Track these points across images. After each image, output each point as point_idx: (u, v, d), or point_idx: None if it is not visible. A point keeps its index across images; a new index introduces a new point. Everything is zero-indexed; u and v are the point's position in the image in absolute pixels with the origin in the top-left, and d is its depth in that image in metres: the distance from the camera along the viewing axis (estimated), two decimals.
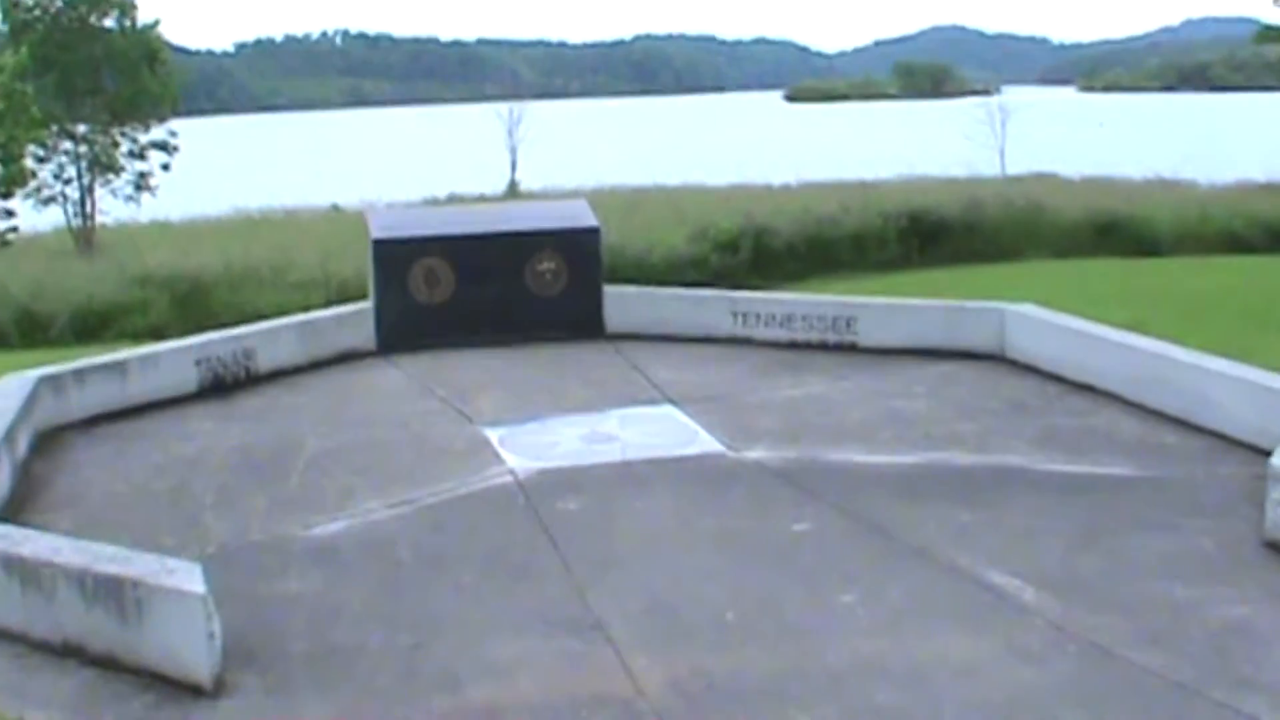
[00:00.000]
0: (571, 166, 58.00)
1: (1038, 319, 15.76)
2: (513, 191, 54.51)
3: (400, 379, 16.26)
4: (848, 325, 16.81)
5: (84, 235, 44.59)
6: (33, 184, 43.88)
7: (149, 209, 47.56)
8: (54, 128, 44.58)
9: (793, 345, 17.01)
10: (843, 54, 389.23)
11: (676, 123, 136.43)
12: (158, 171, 47.70)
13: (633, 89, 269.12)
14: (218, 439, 13.72)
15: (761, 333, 17.27)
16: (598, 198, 43.51)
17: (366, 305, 17.88)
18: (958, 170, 44.75)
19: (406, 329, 17.66)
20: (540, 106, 77.85)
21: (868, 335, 16.72)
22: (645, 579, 9.54)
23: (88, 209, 46.01)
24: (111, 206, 47.10)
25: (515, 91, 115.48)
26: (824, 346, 16.86)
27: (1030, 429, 13.13)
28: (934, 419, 13.58)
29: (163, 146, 47.69)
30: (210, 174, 72.79)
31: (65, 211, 45.76)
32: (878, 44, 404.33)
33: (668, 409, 14.28)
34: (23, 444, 12.93)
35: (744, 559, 9.94)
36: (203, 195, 51.81)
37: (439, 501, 11.50)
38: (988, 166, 49.10)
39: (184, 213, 47.93)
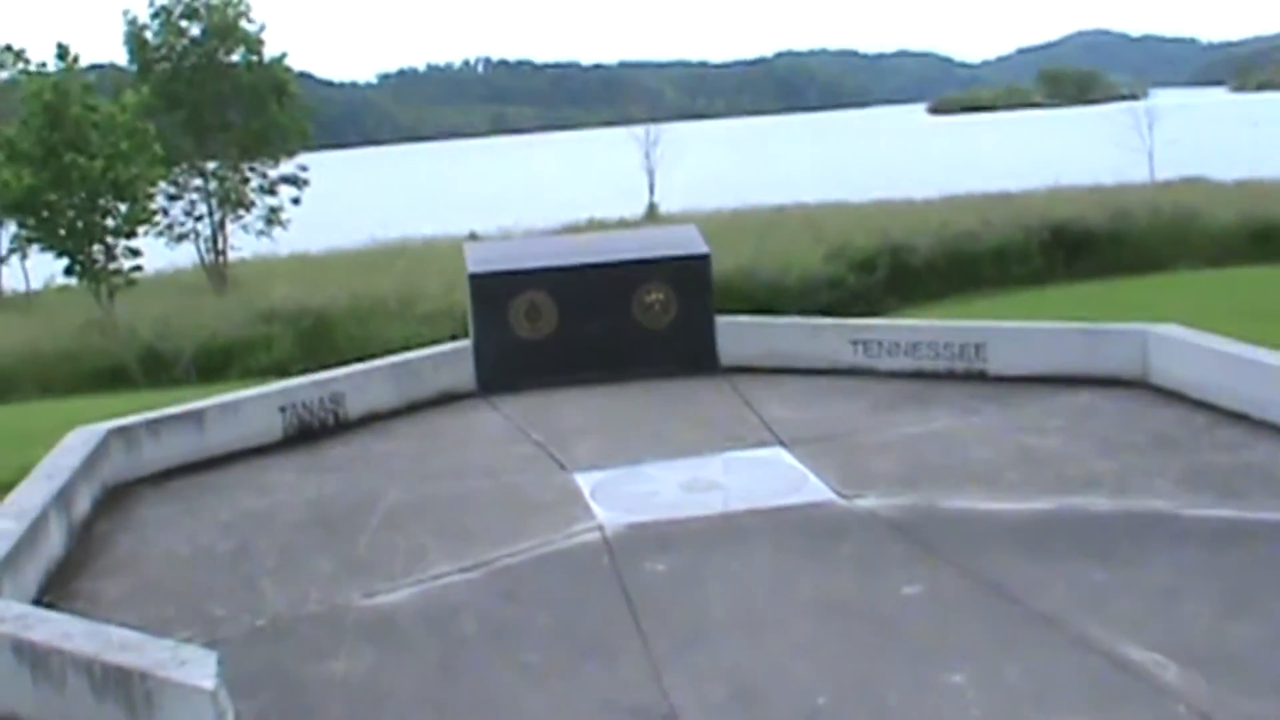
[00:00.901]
0: (712, 187, 57.14)
1: (1185, 341, 14.33)
2: (652, 214, 54.21)
3: (497, 422, 15.27)
4: (977, 352, 15.52)
5: (216, 271, 44.62)
6: (164, 221, 44.02)
7: (288, 242, 47.76)
8: (184, 165, 44.65)
9: (918, 375, 15.74)
10: (986, 63, 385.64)
11: (819, 139, 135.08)
12: (289, 206, 47.62)
13: (776, 106, 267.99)
14: (293, 493, 12.82)
15: (884, 362, 16.04)
16: (736, 219, 43.02)
17: (466, 344, 16.95)
18: (1105, 178, 43.27)
19: (507, 367, 16.69)
20: (683, 127, 77.38)
21: (998, 362, 15.40)
22: (731, 656, 8.40)
23: (219, 245, 46.01)
24: (245, 241, 47.19)
25: (658, 113, 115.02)
26: (951, 376, 15.56)
27: (1176, 467, 11.71)
28: (1068, 457, 12.22)
29: (293, 181, 47.69)
30: (353, 205, 73.10)
31: (198, 248, 45.81)
32: (1021, 51, 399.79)
33: (777, 451, 13.11)
34: (84, 502, 12.12)
35: (845, 629, 8.75)
36: (344, 227, 51.79)
37: (516, 563, 10.46)
38: (1136, 173, 47.44)
39: (324, 245, 47.86)
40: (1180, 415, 13.44)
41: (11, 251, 45.76)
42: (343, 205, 74.23)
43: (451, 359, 16.72)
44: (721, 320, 17.14)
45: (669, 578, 9.92)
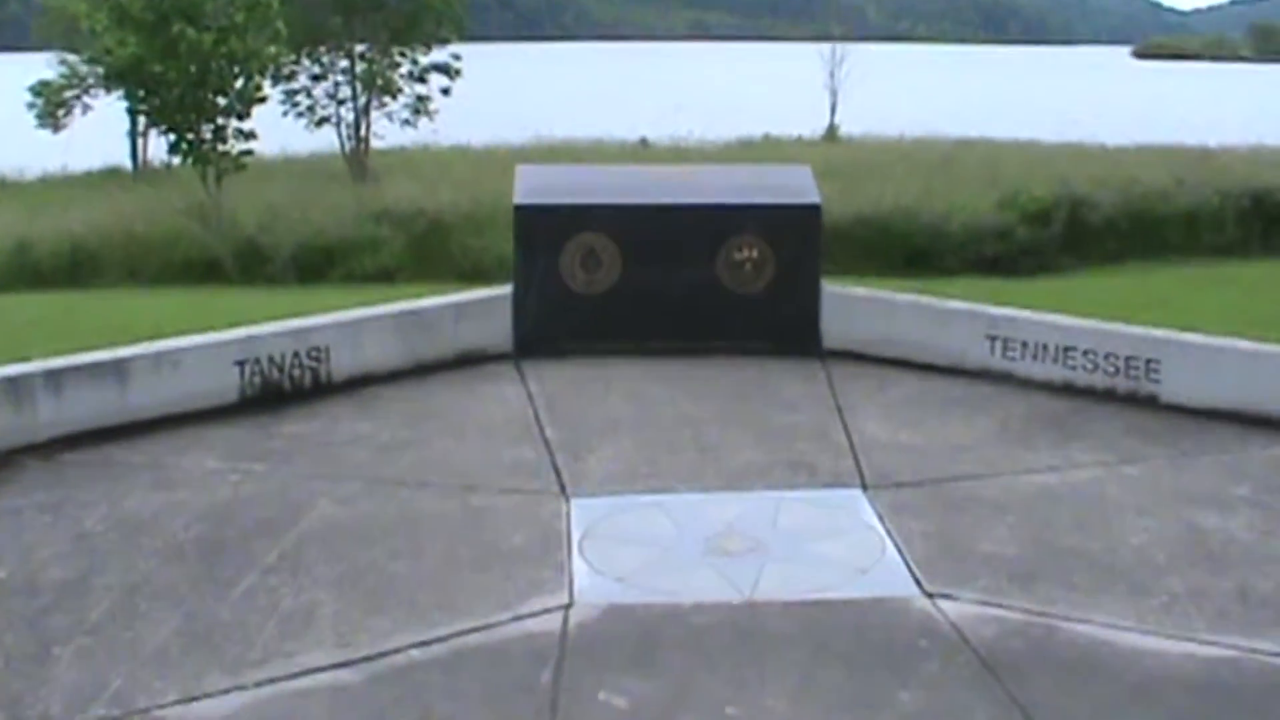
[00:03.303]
0: (900, 112, 53.56)
1: None
2: (831, 136, 51.53)
3: (514, 402, 11.86)
4: (1147, 369, 11.78)
5: (357, 160, 41.97)
6: (305, 103, 41.81)
7: (451, 134, 45.04)
8: (330, 44, 42.24)
9: (1068, 389, 12.03)
10: (1197, 12, 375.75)
11: (1018, 73, 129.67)
12: (439, 96, 44.89)
13: (978, 36, 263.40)
14: (201, 490, 9.58)
15: (1026, 367, 12.38)
16: (914, 149, 39.51)
17: (500, 291, 13.57)
18: None
19: (553, 326, 13.31)
20: (883, 49, 74.31)
21: (1174, 385, 11.60)
22: None
23: (361, 132, 43.41)
24: (394, 132, 44.68)
25: (860, 31, 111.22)
26: (1110, 396, 11.81)
27: None
28: (1259, 555, 8.46)
29: (444, 70, 44.80)
30: (531, 99, 70.82)
31: (339, 134, 43.31)
32: (1234, 3, 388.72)
33: (855, 497, 9.59)
34: None
35: None
36: (515, 121, 49.23)
37: (420, 662, 7.09)
38: None
39: (489, 138, 45.22)
40: None
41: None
42: (522, 98, 71.62)
43: (481, 310, 13.34)
44: (829, 290, 13.62)
45: None
